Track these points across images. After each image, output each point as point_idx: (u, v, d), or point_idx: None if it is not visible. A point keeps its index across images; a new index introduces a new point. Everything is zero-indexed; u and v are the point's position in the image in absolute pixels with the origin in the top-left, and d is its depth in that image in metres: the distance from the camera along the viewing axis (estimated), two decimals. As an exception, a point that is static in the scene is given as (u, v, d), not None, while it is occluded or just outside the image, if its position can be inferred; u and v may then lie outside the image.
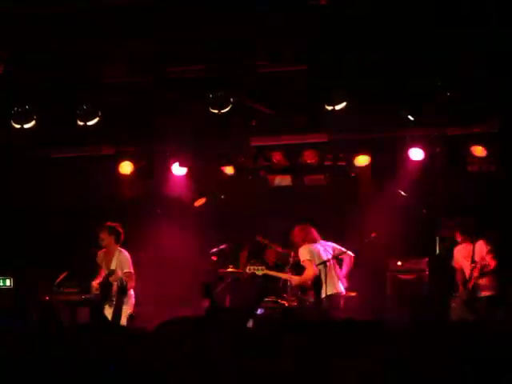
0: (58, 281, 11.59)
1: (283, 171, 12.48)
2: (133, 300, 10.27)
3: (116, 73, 9.87)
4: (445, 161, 11.72)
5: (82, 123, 10.47)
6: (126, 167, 12.40)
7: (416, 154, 11.60)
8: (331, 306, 9.84)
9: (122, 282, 10.11)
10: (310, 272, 10.18)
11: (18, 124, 10.54)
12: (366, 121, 10.84)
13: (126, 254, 10.51)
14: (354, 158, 11.99)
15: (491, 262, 10.21)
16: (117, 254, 10.51)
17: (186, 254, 12.10)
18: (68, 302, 10.50)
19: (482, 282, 10.20)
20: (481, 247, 10.32)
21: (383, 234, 10.45)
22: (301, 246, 10.37)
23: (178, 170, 12.35)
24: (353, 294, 11.07)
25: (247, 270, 10.72)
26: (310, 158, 12.03)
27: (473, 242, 10.34)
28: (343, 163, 12.21)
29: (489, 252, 10.28)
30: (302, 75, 9.78)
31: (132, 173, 12.41)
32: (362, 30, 8.39)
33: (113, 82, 10.09)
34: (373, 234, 10.17)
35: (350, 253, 10.44)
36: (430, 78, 9.54)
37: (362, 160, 11.94)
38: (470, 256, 10.27)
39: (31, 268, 12.12)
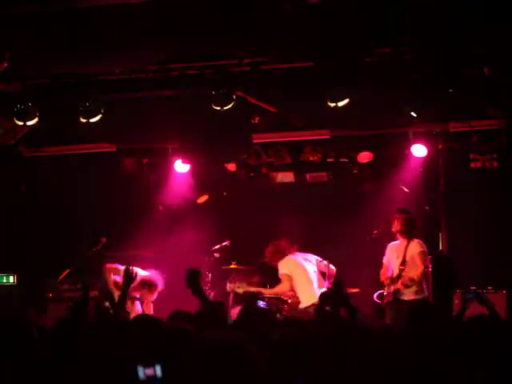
0: (60, 278, 11.65)
1: (285, 168, 12.48)
2: None
3: (116, 69, 9.88)
4: (447, 157, 11.71)
5: (84, 120, 10.45)
6: (128, 164, 12.40)
7: (419, 150, 11.60)
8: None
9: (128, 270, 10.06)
10: (284, 287, 10.43)
11: (20, 121, 10.53)
12: (368, 117, 10.83)
13: None
14: (356, 154, 11.99)
15: (419, 265, 9.95)
16: None
17: (188, 250, 12.08)
18: (70, 299, 10.52)
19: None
20: (414, 247, 10.09)
21: (385, 230, 10.41)
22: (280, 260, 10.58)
23: (181, 166, 12.36)
24: (355, 290, 11.08)
25: (227, 289, 10.84)
26: (312, 154, 12.02)
27: (408, 240, 10.10)
28: (345, 160, 12.22)
29: (420, 254, 10.03)
30: (304, 72, 9.76)
31: (134, 170, 12.41)
32: (363, 26, 8.38)
33: (113, 78, 10.09)
34: (375, 232, 10.15)
35: (332, 267, 10.63)
36: (433, 73, 9.51)
37: (365, 157, 11.94)
38: (401, 254, 10.07)
39: (34, 265, 12.15)
